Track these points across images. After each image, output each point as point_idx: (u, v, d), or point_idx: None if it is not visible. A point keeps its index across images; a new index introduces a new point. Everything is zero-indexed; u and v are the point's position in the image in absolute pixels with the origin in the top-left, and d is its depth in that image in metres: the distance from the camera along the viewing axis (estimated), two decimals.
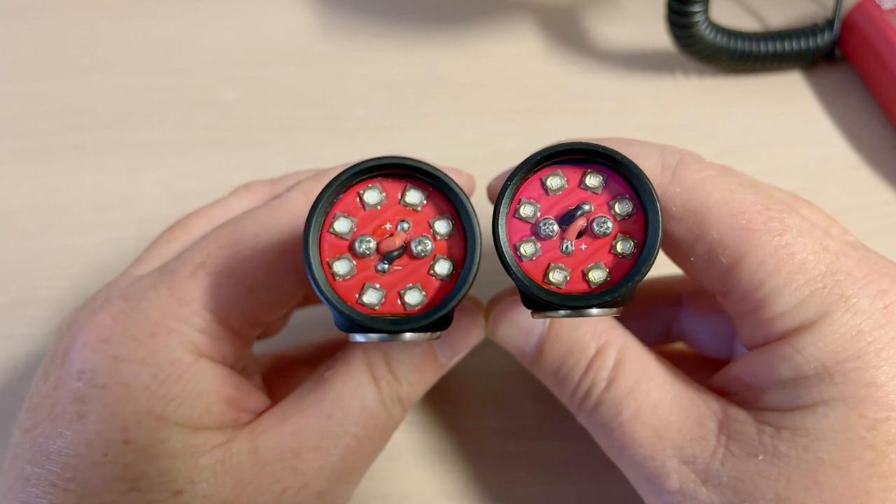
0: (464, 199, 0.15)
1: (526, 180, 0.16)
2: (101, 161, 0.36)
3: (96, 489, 0.17)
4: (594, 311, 0.16)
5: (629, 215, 0.16)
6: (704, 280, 0.19)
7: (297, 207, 0.20)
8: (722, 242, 0.18)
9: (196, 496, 0.18)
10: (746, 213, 0.18)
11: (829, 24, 0.35)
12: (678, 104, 0.36)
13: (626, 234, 0.16)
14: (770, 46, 0.35)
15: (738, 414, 0.18)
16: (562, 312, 0.16)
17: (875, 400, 0.16)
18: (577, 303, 0.16)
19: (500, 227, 0.16)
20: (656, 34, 0.36)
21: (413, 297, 0.15)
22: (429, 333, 0.16)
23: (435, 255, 0.16)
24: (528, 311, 0.18)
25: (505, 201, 0.16)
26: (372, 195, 0.15)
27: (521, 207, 0.16)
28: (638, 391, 0.19)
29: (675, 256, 0.20)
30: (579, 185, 0.16)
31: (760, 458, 0.17)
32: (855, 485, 0.16)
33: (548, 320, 0.20)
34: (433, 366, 0.21)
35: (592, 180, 0.16)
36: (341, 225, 0.15)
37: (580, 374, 0.19)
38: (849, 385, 0.17)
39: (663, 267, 0.27)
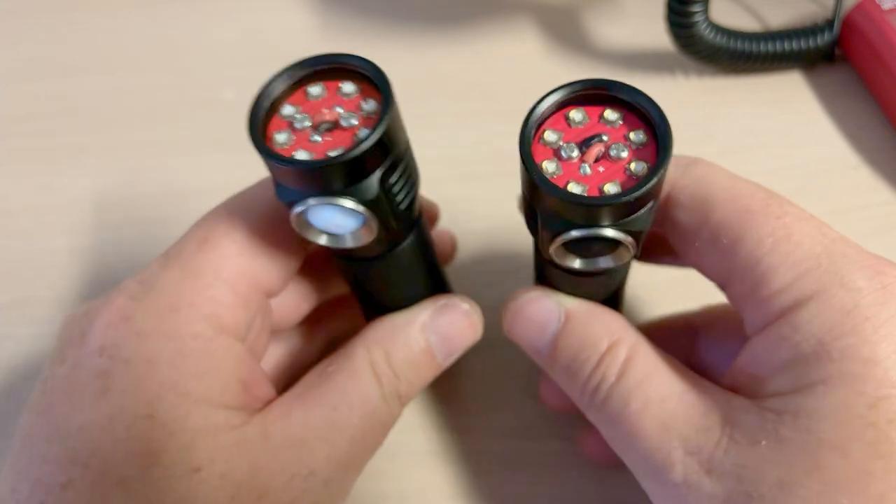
0: (387, 82, 0.18)
1: (551, 116, 0.18)
2: (101, 161, 0.36)
3: (118, 464, 0.17)
4: (608, 231, 0.17)
5: (643, 144, 0.18)
6: (708, 267, 0.20)
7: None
8: (723, 224, 0.19)
9: (213, 474, 0.18)
10: (747, 199, 0.19)
11: (829, 24, 0.35)
12: (678, 104, 0.36)
13: (639, 158, 0.17)
14: (770, 46, 0.35)
15: (742, 403, 0.18)
16: (574, 233, 0.17)
17: (874, 377, 0.16)
18: (590, 206, 0.17)
19: (525, 148, 0.17)
20: (656, 34, 0.36)
21: (335, 152, 0.17)
22: (360, 205, 0.18)
23: (359, 128, 0.18)
24: (543, 307, 0.20)
25: (529, 128, 0.18)
26: (315, 90, 0.19)
27: (545, 134, 0.18)
28: (647, 385, 0.19)
29: (680, 244, 0.20)
30: (599, 120, 0.18)
31: (763, 444, 0.17)
32: (856, 465, 0.16)
33: (563, 315, 0.20)
34: (430, 364, 0.22)
35: (611, 115, 0.18)
36: (285, 110, 0.18)
37: (591, 368, 0.20)
38: (846, 362, 0.16)
39: (677, 304, 0.27)
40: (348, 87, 0.18)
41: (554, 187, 0.17)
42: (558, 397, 0.25)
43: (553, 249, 0.18)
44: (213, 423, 0.18)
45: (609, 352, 0.20)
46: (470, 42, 0.40)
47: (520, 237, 0.32)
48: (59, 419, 0.18)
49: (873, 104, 0.35)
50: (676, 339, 0.25)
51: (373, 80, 0.18)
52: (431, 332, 0.22)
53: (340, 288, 0.26)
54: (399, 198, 0.19)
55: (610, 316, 0.21)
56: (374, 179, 0.17)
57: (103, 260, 0.32)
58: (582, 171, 0.18)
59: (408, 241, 0.21)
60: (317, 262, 0.24)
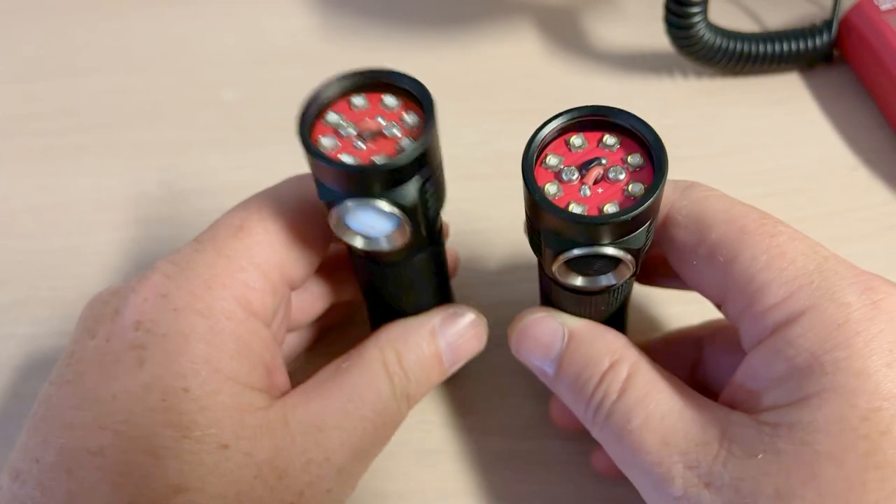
0: (428, 94, 0.19)
1: (552, 141, 0.20)
2: (101, 161, 0.36)
3: (149, 433, 0.18)
4: (608, 249, 0.18)
5: (640, 167, 0.19)
6: (705, 285, 0.20)
7: (298, 185, 0.22)
8: (719, 243, 0.19)
9: (239, 452, 0.18)
10: (742, 219, 0.19)
11: (828, 25, 0.36)
12: (677, 105, 0.36)
13: (636, 180, 0.19)
14: (768, 47, 0.35)
15: (740, 418, 0.18)
16: (575, 252, 0.18)
17: (865, 390, 0.17)
18: (591, 225, 0.18)
19: (528, 163, 0.19)
20: (655, 35, 0.37)
21: (380, 159, 0.19)
22: (398, 210, 0.19)
23: (401, 138, 0.19)
24: (547, 327, 0.21)
25: (531, 153, 0.19)
26: (358, 101, 0.20)
27: (547, 158, 0.19)
28: (647, 401, 0.19)
29: (678, 264, 0.21)
30: (598, 144, 0.19)
31: (760, 456, 0.17)
32: (850, 476, 0.16)
33: (566, 335, 0.21)
34: (438, 369, 0.23)
35: (609, 140, 0.19)
36: (331, 118, 0.20)
37: (594, 386, 0.20)
38: (839, 375, 0.17)
39: (681, 316, 0.27)
40: (390, 100, 0.20)
41: (556, 208, 0.18)
42: (568, 417, 0.25)
43: (556, 268, 0.19)
44: (241, 402, 0.19)
45: (610, 370, 0.20)
46: (470, 43, 0.40)
47: (520, 237, 0.32)
48: (89, 388, 0.18)
49: (871, 105, 0.35)
50: (681, 353, 0.25)
51: (414, 95, 0.20)
52: (441, 337, 0.23)
53: (351, 293, 0.26)
54: (430, 205, 0.20)
55: (612, 335, 0.21)
56: (414, 186, 0.19)
57: (104, 260, 0.32)
58: (582, 192, 0.19)
59: (429, 249, 0.22)
60: (332, 266, 0.25)
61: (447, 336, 0.23)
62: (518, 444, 0.26)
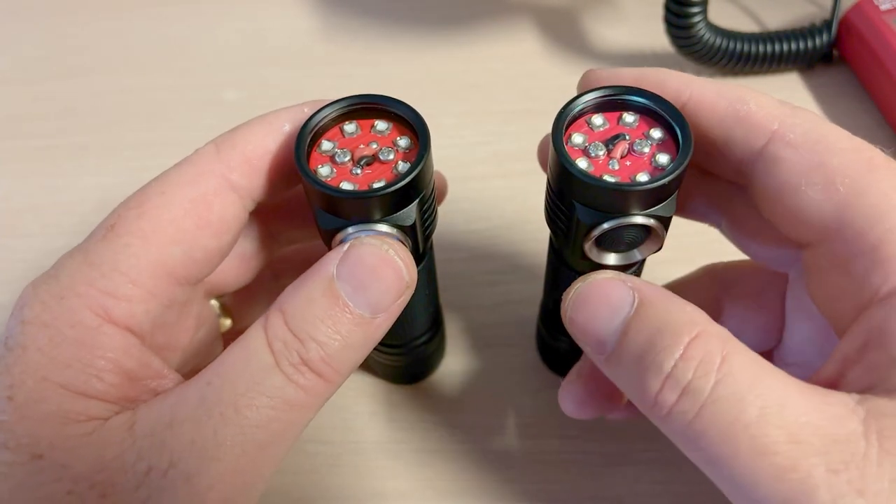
0: (421, 118, 0.20)
1: (572, 124, 0.20)
2: (102, 161, 0.36)
3: None
4: (638, 218, 0.18)
5: (662, 140, 0.19)
6: (808, 216, 0.17)
7: (206, 161, 0.20)
8: (843, 171, 0.17)
9: (54, 464, 0.17)
10: (869, 152, 0.17)
11: (827, 25, 0.36)
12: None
13: (662, 151, 0.19)
14: (768, 48, 0.35)
15: (882, 405, 0.15)
16: (606, 225, 0.18)
17: None
18: (625, 190, 0.18)
19: (559, 146, 0.19)
20: (655, 35, 0.37)
21: (378, 185, 0.19)
22: (399, 231, 0.19)
23: (397, 160, 0.19)
24: (615, 288, 0.18)
25: (559, 132, 0.19)
26: (349, 128, 0.20)
27: (573, 137, 0.19)
28: (760, 387, 0.15)
29: (775, 189, 0.18)
30: (618, 123, 0.20)
31: None
32: None
33: (637, 299, 0.17)
34: (347, 319, 0.18)
35: (628, 118, 0.20)
36: (325, 146, 0.20)
37: (674, 360, 0.16)
38: None
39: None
40: (382, 125, 0.20)
41: (593, 178, 0.18)
42: (583, 404, 0.22)
43: (588, 246, 0.19)
44: (67, 411, 0.17)
45: (697, 340, 0.16)
46: (469, 43, 0.40)
47: (520, 237, 0.32)
48: None
49: (871, 105, 0.35)
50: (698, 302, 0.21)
51: (405, 119, 0.20)
52: (340, 279, 0.18)
53: (294, 237, 0.24)
54: (427, 224, 0.20)
55: (692, 306, 0.17)
56: (413, 207, 0.19)
57: None
58: (611, 165, 0.19)
59: (423, 263, 0.22)
60: (262, 218, 0.23)
61: (347, 275, 0.18)
62: (518, 443, 0.26)
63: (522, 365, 0.28)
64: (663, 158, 0.19)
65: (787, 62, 0.36)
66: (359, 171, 0.19)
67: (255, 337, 0.17)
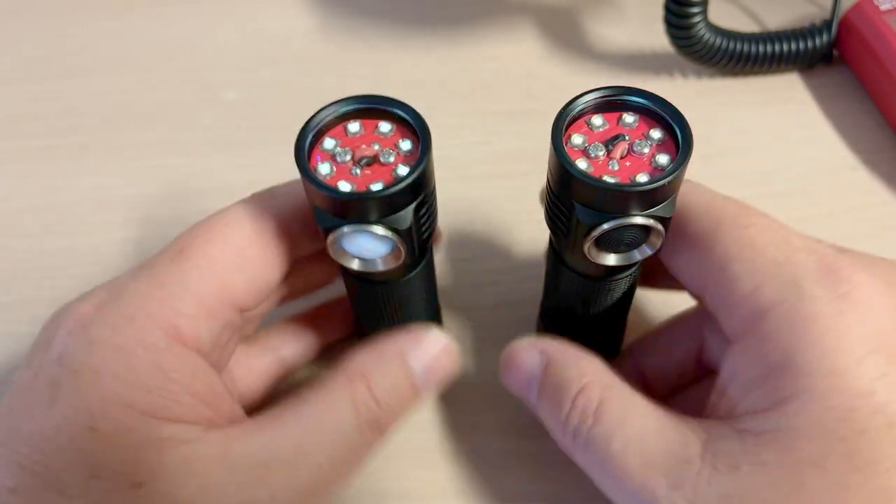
0: (423, 122, 0.20)
1: (572, 124, 0.20)
2: (102, 161, 0.36)
3: (59, 474, 0.17)
4: (638, 219, 0.18)
5: (662, 141, 0.19)
6: (686, 276, 0.21)
7: (264, 199, 0.22)
8: (697, 234, 0.20)
9: (155, 491, 0.17)
10: (719, 211, 0.20)
11: (827, 25, 0.36)
12: (676, 105, 0.36)
13: (662, 152, 0.19)
14: (768, 48, 0.35)
15: (721, 429, 0.18)
16: (606, 226, 0.18)
17: (840, 389, 0.16)
18: (620, 191, 0.18)
19: (558, 139, 0.19)
20: (654, 35, 0.37)
21: (376, 187, 0.19)
22: (394, 235, 0.19)
23: (396, 163, 0.19)
24: (526, 356, 0.22)
25: (559, 132, 0.19)
26: (353, 126, 0.20)
27: (572, 138, 0.20)
28: (625, 424, 0.19)
29: (666, 257, 0.22)
30: (618, 123, 0.20)
31: (745, 468, 0.17)
32: (833, 481, 0.16)
33: (544, 362, 0.21)
34: (412, 395, 0.21)
35: (628, 118, 0.20)
36: (328, 144, 0.20)
37: (567, 410, 0.20)
38: (813, 376, 0.17)
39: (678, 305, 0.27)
40: (385, 126, 0.20)
41: (593, 178, 0.18)
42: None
43: (588, 246, 0.19)
44: (159, 438, 0.18)
45: (581, 393, 0.20)
46: (470, 43, 0.40)
47: (520, 237, 0.32)
48: (13, 424, 0.18)
49: (871, 105, 0.35)
50: (683, 339, 0.25)
51: (409, 122, 0.20)
52: (415, 362, 0.21)
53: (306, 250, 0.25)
54: (424, 228, 0.20)
55: (586, 360, 0.21)
56: (409, 211, 0.19)
57: (104, 260, 0.32)
58: (611, 166, 0.19)
59: (421, 266, 0.23)
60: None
61: (422, 361, 0.22)
62: (518, 444, 0.26)
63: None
64: (663, 159, 0.19)
65: (787, 62, 0.36)
66: (358, 171, 0.19)
67: (341, 395, 0.20)
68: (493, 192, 0.33)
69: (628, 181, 0.19)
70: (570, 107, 0.20)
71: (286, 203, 0.22)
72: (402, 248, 0.20)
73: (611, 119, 0.20)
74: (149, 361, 0.18)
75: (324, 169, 0.19)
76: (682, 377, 0.25)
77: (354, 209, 0.19)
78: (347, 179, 0.19)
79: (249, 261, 0.21)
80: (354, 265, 0.20)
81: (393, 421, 0.21)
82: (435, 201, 0.21)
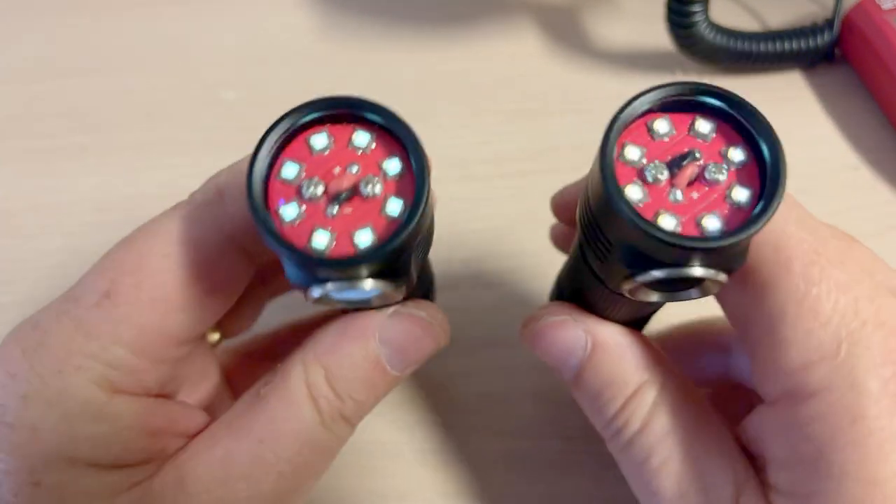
0: (412, 133, 0.15)
1: (630, 125, 0.15)
2: (102, 161, 0.36)
3: None
4: (697, 269, 0.14)
5: (744, 164, 0.15)
6: (730, 309, 0.18)
7: (211, 210, 0.18)
8: (755, 270, 0.16)
9: None
10: (790, 251, 0.16)
11: (829, 24, 0.36)
12: None
13: (742, 182, 0.15)
14: (770, 46, 0.35)
15: (751, 490, 0.17)
16: (655, 273, 0.15)
17: (876, 500, 0.15)
18: (686, 245, 0.14)
19: (607, 157, 0.14)
20: (656, 34, 0.36)
21: (364, 237, 0.14)
22: (390, 285, 0.15)
23: (385, 196, 0.15)
24: (568, 335, 0.19)
25: (612, 138, 0.15)
26: (318, 140, 0.15)
27: (626, 150, 0.15)
28: (670, 441, 0.18)
29: None
30: (688, 132, 0.15)
31: None
32: None
33: (590, 345, 0.19)
34: (382, 380, 0.19)
35: (703, 126, 0.15)
36: (288, 171, 0.15)
37: (616, 410, 0.19)
38: (846, 481, 0.15)
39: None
40: (361, 137, 0.15)
41: (646, 222, 0.14)
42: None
43: (628, 288, 0.16)
44: (109, 485, 0.17)
45: (636, 395, 0.18)
46: (470, 42, 0.40)
47: (520, 237, 0.32)
48: None
49: (873, 104, 0.35)
50: (707, 353, 0.24)
51: (391, 131, 0.15)
52: (382, 344, 0.19)
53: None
54: (422, 256, 0.17)
55: (642, 350, 0.19)
56: (406, 257, 0.15)
57: None
58: (672, 197, 0.15)
59: (417, 287, 0.20)
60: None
61: (391, 340, 0.19)
62: (518, 444, 0.26)
63: (522, 365, 0.28)
64: (742, 194, 0.15)
65: (789, 61, 0.36)
66: (335, 209, 0.15)
67: (298, 390, 0.18)
68: (494, 192, 0.33)
69: (693, 225, 0.14)
70: (629, 109, 0.15)
71: (239, 203, 0.18)
72: (399, 293, 0.16)
73: (680, 124, 0.15)
74: (87, 414, 0.17)
75: (289, 213, 0.15)
76: (704, 384, 0.24)
77: (342, 271, 0.15)
78: (323, 225, 0.15)
79: (193, 298, 0.18)
80: (341, 305, 0.17)
81: (362, 412, 0.19)
82: (433, 224, 0.17)
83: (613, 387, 0.19)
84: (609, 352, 0.19)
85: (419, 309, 0.20)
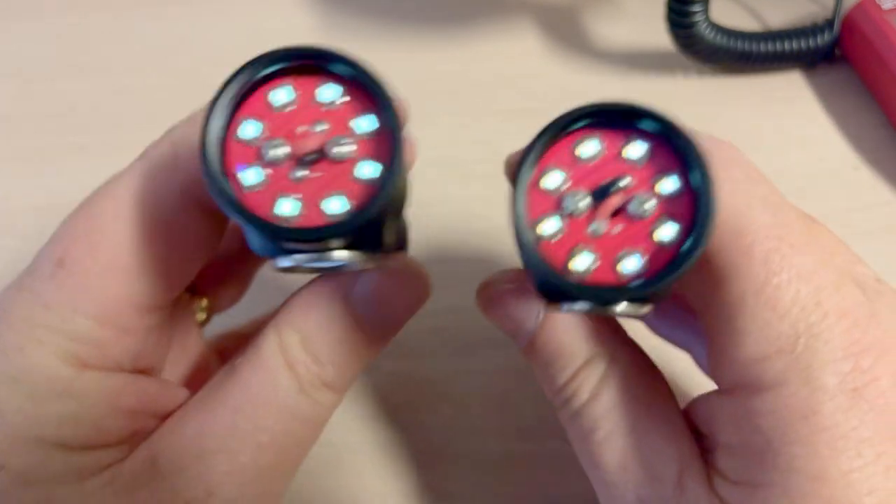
0: (384, 85, 0.13)
1: (554, 144, 0.14)
2: (102, 161, 0.36)
3: None
4: (619, 307, 0.14)
5: (676, 195, 0.14)
6: (689, 290, 0.18)
7: (167, 168, 0.17)
8: (717, 254, 0.16)
9: None
10: (751, 235, 0.15)
11: (829, 23, 0.36)
12: (678, 104, 0.36)
13: (670, 215, 0.13)
14: (770, 46, 0.35)
15: (696, 471, 0.17)
16: (579, 305, 0.14)
17: (822, 497, 0.14)
18: (599, 296, 0.13)
19: (519, 196, 0.13)
20: (656, 34, 0.36)
21: (335, 205, 0.13)
22: (363, 255, 0.14)
23: (357, 157, 0.13)
24: (519, 303, 0.18)
25: (527, 166, 0.13)
26: (279, 95, 0.13)
27: (546, 175, 0.14)
28: (615, 415, 0.18)
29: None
30: (618, 156, 0.14)
31: None
32: None
33: (541, 314, 0.18)
34: (363, 340, 0.18)
35: (635, 150, 0.14)
36: (247, 130, 0.13)
37: (565, 381, 0.18)
38: (793, 476, 0.15)
39: None
40: (327, 91, 0.13)
41: (551, 272, 0.13)
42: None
43: (552, 307, 0.16)
44: (78, 468, 0.16)
45: (585, 367, 0.18)
46: (470, 42, 0.40)
47: None
48: None
49: (873, 104, 0.35)
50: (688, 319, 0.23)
51: (361, 83, 0.14)
52: (357, 301, 0.17)
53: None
54: (397, 218, 0.16)
55: (595, 323, 0.18)
56: (386, 229, 0.14)
57: None
58: (591, 230, 0.14)
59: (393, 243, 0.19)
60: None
61: (364, 294, 0.17)
62: (518, 444, 0.26)
63: (522, 365, 0.28)
64: (668, 232, 0.13)
65: (789, 61, 0.36)
66: (301, 174, 0.13)
67: (272, 357, 0.17)
68: (493, 192, 0.33)
69: (610, 267, 0.14)
70: (549, 130, 0.14)
71: (195, 161, 0.15)
72: (374, 261, 0.15)
73: (612, 145, 0.14)
74: (53, 391, 0.16)
75: (250, 177, 0.13)
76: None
77: (309, 243, 0.13)
78: (288, 192, 0.13)
79: (154, 258, 0.16)
80: (314, 273, 0.16)
81: (346, 377, 0.18)
82: (407, 182, 0.16)
83: (563, 358, 0.18)
84: (560, 322, 0.18)
85: (394, 262, 0.18)
